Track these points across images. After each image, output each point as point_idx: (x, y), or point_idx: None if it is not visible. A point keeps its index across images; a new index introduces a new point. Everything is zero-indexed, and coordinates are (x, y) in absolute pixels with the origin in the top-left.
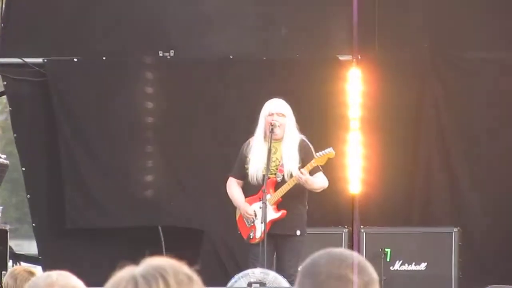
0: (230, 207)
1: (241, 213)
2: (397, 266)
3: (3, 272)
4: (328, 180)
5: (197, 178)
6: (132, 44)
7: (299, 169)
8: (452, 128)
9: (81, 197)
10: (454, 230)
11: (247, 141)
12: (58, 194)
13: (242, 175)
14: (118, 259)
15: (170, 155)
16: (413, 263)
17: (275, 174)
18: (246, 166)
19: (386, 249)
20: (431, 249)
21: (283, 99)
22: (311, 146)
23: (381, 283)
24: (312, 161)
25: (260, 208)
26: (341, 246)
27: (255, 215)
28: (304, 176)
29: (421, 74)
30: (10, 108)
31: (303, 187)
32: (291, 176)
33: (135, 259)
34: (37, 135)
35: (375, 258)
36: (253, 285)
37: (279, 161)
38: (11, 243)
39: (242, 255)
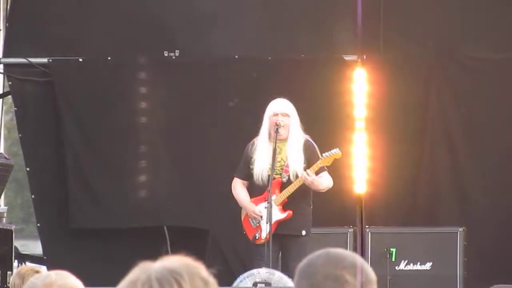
0: (235, 206)
1: (246, 214)
2: (402, 266)
3: (8, 272)
4: (333, 180)
5: (203, 178)
6: (137, 44)
7: (305, 169)
8: (458, 128)
9: (86, 197)
10: (460, 230)
11: (252, 141)
12: (63, 195)
13: (247, 176)
14: (123, 259)
15: (176, 155)
16: (419, 263)
17: (280, 174)
18: (251, 166)
19: (391, 249)
20: (437, 249)
21: (287, 99)
22: (315, 146)
23: (386, 283)
24: (318, 161)
25: (266, 208)
26: (346, 246)
27: (261, 216)
28: (310, 177)
29: (427, 74)
30: (15, 108)
31: (308, 187)
32: (297, 176)
33: (140, 260)
34: (42, 135)
35: (381, 258)
36: (259, 285)
37: (284, 161)
38: (17, 243)
39: (247, 255)
